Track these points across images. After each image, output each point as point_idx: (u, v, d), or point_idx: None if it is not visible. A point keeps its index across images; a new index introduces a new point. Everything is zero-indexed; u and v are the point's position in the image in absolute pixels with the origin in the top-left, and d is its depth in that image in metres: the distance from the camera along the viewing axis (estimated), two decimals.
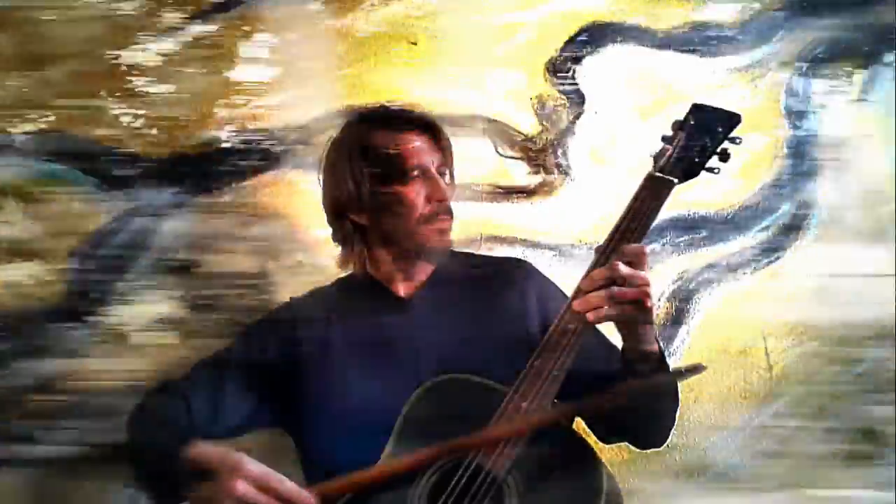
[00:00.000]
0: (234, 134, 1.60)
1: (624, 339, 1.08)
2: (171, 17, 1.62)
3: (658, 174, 1.07)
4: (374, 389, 1.18)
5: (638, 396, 1.00)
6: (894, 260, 1.80)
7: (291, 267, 1.57)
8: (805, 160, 1.82)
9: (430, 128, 1.29)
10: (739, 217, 1.77)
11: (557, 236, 1.69)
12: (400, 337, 1.23)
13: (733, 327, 1.72)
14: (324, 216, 1.32)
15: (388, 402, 1.09)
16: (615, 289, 0.99)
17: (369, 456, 1.03)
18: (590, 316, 1.00)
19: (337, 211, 1.28)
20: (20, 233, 1.50)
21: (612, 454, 1.59)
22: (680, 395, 1.16)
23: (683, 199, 1.73)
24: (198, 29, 1.62)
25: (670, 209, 1.71)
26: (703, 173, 1.08)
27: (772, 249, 1.77)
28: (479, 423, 0.98)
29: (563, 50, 1.76)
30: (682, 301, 1.71)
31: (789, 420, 1.69)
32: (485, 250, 1.63)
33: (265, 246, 1.58)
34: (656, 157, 1.10)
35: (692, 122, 1.10)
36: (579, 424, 1.19)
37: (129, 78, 1.58)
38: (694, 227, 1.74)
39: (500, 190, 1.69)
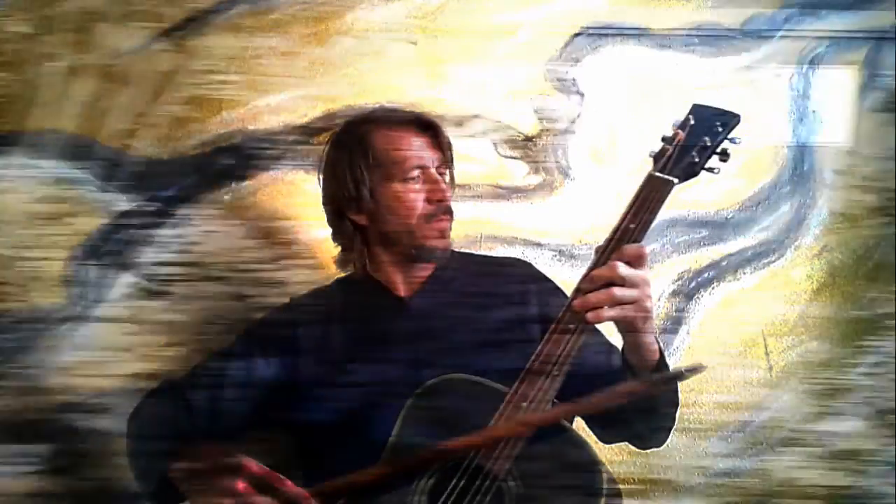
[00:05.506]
0: (234, 134, 1.60)
1: (624, 339, 1.08)
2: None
3: (658, 174, 1.07)
4: (373, 389, 1.18)
5: (638, 396, 1.00)
6: (894, 259, 1.80)
7: (291, 267, 1.57)
8: (805, 160, 1.82)
9: (430, 128, 1.29)
10: (739, 217, 1.77)
11: (557, 236, 1.69)
12: (400, 337, 1.23)
13: (733, 327, 1.72)
14: (324, 216, 1.32)
15: (388, 402, 1.08)
16: (615, 289, 0.99)
17: (369, 456, 1.03)
18: (589, 316, 1.00)
19: (337, 211, 1.28)
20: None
21: (612, 454, 1.59)
22: (680, 395, 1.16)
23: (683, 199, 1.73)
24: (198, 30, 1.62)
25: (670, 209, 1.70)
26: (703, 173, 1.08)
27: (772, 249, 1.77)
28: (479, 423, 0.98)
29: (563, 50, 1.76)
30: (682, 301, 1.71)
31: (790, 420, 1.70)
32: (485, 250, 1.63)
33: (265, 246, 1.58)
34: (656, 157, 1.10)
35: (692, 122, 1.09)
36: (579, 424, 1.19)
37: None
38: (694, 227, 1.74)
39: (500, 190, 1.69)
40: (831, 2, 1.89)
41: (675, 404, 1.16)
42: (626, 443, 1.26)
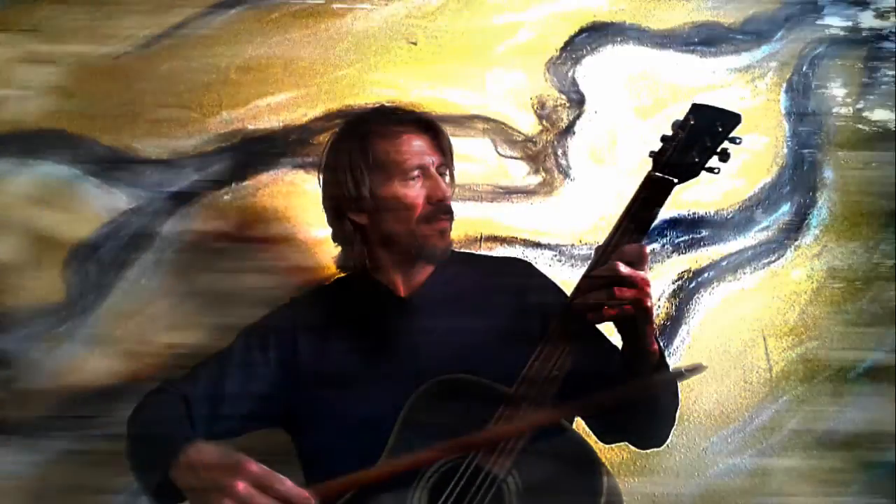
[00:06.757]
0: (234, 134, 1.60)
1: (624, 339, 1.08)
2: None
3: (658, 174, 1.07)
4: (373, 389, 1.18)
5: (638, 396, 1.00)
6: (894, 259, 1.80)
7: (291, 267, 1.57)
8: (805, 160, 1.82)
9: (430, 128, 1.29)
10: (739, 217, 1.77)
11: (557, 236, 1.69)
12: (400, 337, 1.23)
13: (733, 327, 1.72)
14: (324, 216, 1.32)
15: (388, 402, 1.08)
16: (615, 289, 0.99)
17: (369, 456, 1.03)
18: (589, 316, 1.00)
19: (337, 211, 1.28)
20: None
21: (612, 454, 1.59)
22: (680, 395, 1.16)
23: (683, 199, 1.73)
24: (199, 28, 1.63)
25: (670, 209, 1.71)
26: (703, 173, 1.08)
27: (772, 249, 1.77)
28: (479, 423, 0.98)
29: (563, 50, 1.76)
30: (682, 301, 1.71)
31: (790, 420, 1.70)
32: (485, 250, 1.63)
33: (265, 246, 1.58)
34: (656, 157, 1.10)
35: (692, 122, 1.09)
36: (579, 424, 1.19)
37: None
38: (694, 227, 1.74)
39: (500, 190, 1.69)
40: (831, 2, 1.89)
41: (675, 404, 1.16)
42: (626, 443, 1.26)
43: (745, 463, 1.66)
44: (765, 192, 1.79)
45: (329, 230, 1.32)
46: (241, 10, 1.64)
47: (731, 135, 1.08)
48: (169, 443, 1.02)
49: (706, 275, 1.73)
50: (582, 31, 1.78)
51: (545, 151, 1.72)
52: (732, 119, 1.09)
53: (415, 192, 1.23)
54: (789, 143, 1.82)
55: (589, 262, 1.04)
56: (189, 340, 1.50)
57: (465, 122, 1.69)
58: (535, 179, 1.71)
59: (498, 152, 1.70)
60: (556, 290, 1.30)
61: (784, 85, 1.84)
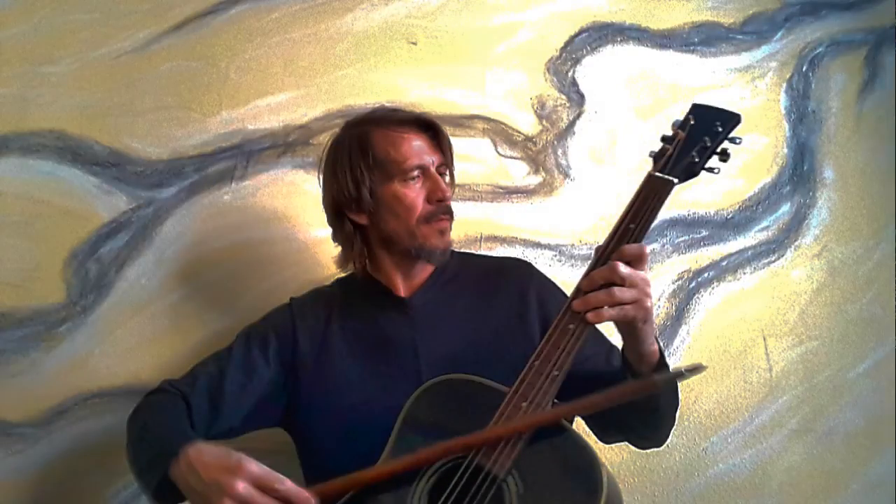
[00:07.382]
0: (234, 134, 1.60)
1: (624, 339, 1.08)
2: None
3: (658, 174, 1.07)
4: (373, 389, 1.18)
5: (638, 396, 1.00)
6: (894, 259, 1.80)
7: (291, 268, 1.57)
8: (805, 160, 1.82)
9: (430, 128, 1.29)
10: (739, 217, 1.77)
11: (557, 236, 1.69)
12: (400, 337, 1.23)
13: (733, 327, 1.72)
14: (324, 216, 1.32)
15: (388, 402, 1.08)
16: (615, 289, 0.99)
17: (369, 456, 1.03)
18: (590, 316, 1.00)
19: (337, 211, 1.28)
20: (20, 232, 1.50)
21: (612, 454, 1.59)
22: (680, 395, 1.16)
23: (683, 199, 1.73)
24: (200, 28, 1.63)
25: (670, 209, 1.71)
26: (703, 173, 1.08)
27: (772, 249, 1.77)
28: (479, 423, 0.98)
29: (563, 50, 1.76)
30: (682, 301, 1.71)
31: (790, 420, 1.70)
32: (485, 250, 1.63)
33: (265, 246, 1.58)
34: (656, 157, 1.10)
35: (692, 122, 1.09)
36: (579, 424, 1.19)
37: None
38: (694, 227, 1.74)
39: (500, 190, 1.69)
40: (831, 2, 1.89)
41: (675, 404, 1.16)
42: (626, 443, 1.26)
43: (745, 463, 1.66)
44: (765, 192, 1.79)
45: (329, 230, 1.32)
46: (241, 10, 1.64)
47: (731, 135, 1.08)
48: (169, 443, 1.02)
49: (706, 275, 1.73)
50: (582, 31, 1.78)
51: (545, 151, 1.72)
52: (732, 119, 1.09)
53: (415, 192, 1.23)
54: (789, 143, 1.82)
55: (589, 262, 1.04)
56: (189, 340, 1.51)
57: (465, 122, 1.69)
58: (535, 179, 1.71)
59: (498, 152, 1.70)
60: (556, 290, 1.30)
61: (784, 85, 1.84)
